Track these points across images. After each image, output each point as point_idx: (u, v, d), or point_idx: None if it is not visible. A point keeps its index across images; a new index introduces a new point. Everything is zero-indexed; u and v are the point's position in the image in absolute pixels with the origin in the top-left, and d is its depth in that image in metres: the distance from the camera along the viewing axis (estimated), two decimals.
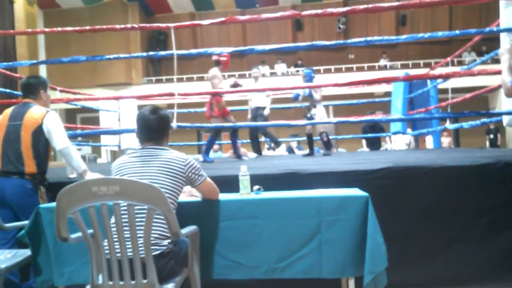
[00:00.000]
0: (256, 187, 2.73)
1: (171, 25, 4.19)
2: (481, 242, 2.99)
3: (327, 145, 6.31)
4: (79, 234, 2.09)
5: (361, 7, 4.25)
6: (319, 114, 5.78)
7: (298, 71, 16.61)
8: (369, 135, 9.17)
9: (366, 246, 2.42)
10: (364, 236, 2.45)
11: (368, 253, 2.40)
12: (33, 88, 3.26)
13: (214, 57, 5.80)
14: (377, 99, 11.01)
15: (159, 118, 2.45)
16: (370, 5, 4.35)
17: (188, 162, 2.38)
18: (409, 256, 2.93)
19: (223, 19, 4.22)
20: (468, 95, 5.40)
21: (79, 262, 2.54)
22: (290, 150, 10.82)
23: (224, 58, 5.77)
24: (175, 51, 4.13)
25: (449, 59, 7.53)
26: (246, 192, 2.68)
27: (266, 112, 6.90)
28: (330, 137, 11.55)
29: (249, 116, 7.06)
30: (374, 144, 9.51)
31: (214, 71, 5.76)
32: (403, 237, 2.92)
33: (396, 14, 16.79)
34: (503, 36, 3.99)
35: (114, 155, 12.24)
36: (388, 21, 16.87)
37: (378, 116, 7.23)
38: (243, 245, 2.56)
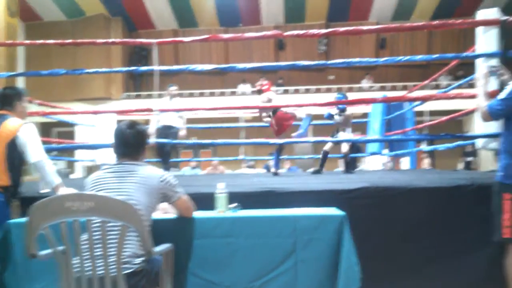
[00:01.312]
0: (233, 205, 2.70)
1: (154, 40, 4.18)
2: (456, 261, 3.01)
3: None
4: (48, 250, 2.04)
5: (342, 29, 4.30)
6: (344, 137, 5.91)
7: (278, 90, 16.72)
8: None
9: (340, 266, 2.42)
10: (339, 255, 2.45)
11: (341, 273, 2.41)
12: (9, 100, 3.20)
13: (257, 86, 6.05)
14: (355, 120, 11.12)
15: (135, 132, 2.42)
16: (351, 28, 4.41)
17: (165, 179, 2.35)
18: (382, 276, 2.93)
19: (206, 36, 4.22)
20: (444, 118, 5.49)
21: (48, 279, 2.46)
22: (268, 169, 10.81)
23: (266, 86, 5.97)
24: (156, 67, 4.11)
25: (426, 82, 7.67)
26: (222, 210, 2.66)
27: (182, 133, 6.70)
28: (307, 156, 11.65)
29: (153, 132, 6.43)
30: (351, 164, 9.56)
31: (260, 99, 5.95)
32: (377, 257, 2.92)
33: (376, 37, 17.11)
34: (479, 62, 4.09)
35: (89, 170, 12.03)
36: (368, 44, 17.17)
37: (356, 137, 7.28)
38: (218, 264, 2.53)
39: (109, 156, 8.93)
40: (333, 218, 2.51)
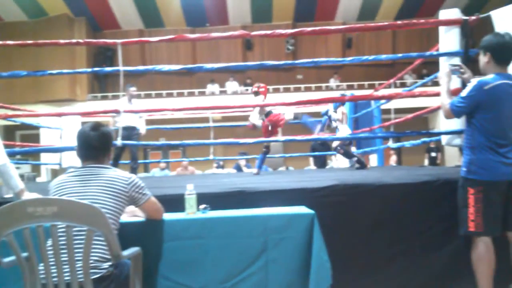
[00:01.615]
0: (202, 206, 2.68)
1: (119, 41, 4.09)
2: (424, 256, 3.07)
3: (347, 155, 6.69)
4: (12, 257, 1.97)
5: (309, 29, 4.33)
6: (341, 134, 6.02)
7: (247, 90, 16.73)
8: (316, 153, 9.33)
9: (311, 264, 2.43)
10: (310, 253, 2.46)
11: (313, 271, 2.42)
12: None
13: (254, 89, 6.15)
14: (323, 119, 11.24)
15: (100, 134, 2.36)
16: (317, 28, 4.44)
17: (132, 181, 2.30)
18: (353, 272, 2.96)
19: (172, 36, 4.17)
20: (409, 116, 5.60)
21: (11, 287, 2.38)
22: (238, 168, 10.79)
23: (262, 89, 6.08)
24: (121, 67, 4.04)
25: (392, 81, 7.82)
26: (192, 212, 2.63)
27: (143, 132, 6.83)
28: (278, 155, 11.69)
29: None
30: (321, 162, 9.69)
31: (256, 101, 6.04)
32: (348, 254, 2.95)
33: (342, 37, 17.35)
34: (442, 60, 4.18)
35: (55, 173, 11.74)
36: (335, 43, 17.39)
37: (325, 135, 7.36)
38: (188, 266, 2.50)
39: (76, 159, 8.74)
40: (303, 217, 2.52)
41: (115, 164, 6.52)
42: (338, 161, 9.91)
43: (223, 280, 2.48)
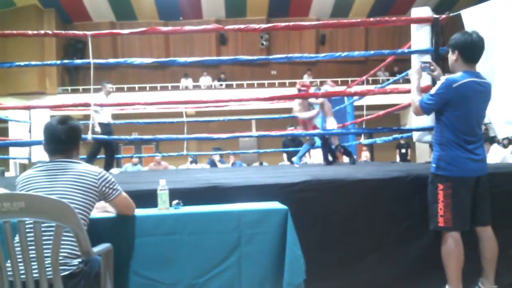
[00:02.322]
0: (175, 201, 2.65)
1: (89, 32, 4.01)
2: (395, 250, 3.12)
3: (347, 154, 6.83)
4: None
5: (283, 24, 4.33)
6: (329, 127, 6.30)
7: (221, 85, 16.68)
8: (290, 149, 9.38)
9: (285, 259, 2.43)
10: (284, 249, 2.46)
11: (286, 266, 2.42)
12: None
13: (298, 86, 6.42)
14: (294, 115, 11.32)
15: (68, 128, 2.29)
16: (291, 23, 4.45)
17: (102, 176, 2.26)
18: (327, 266, 2.99)
19: (144, 28, 4.11)
20: (381, 112, 5.68)
21: None
22: (212, 163, 10.76)
23: (304, 88, 6.31)
24: (92, 60, 3.95)
25: (364, 78, 7.91)
26: (164, 207, 2.60)
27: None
28: (251, 151, 11.69)
29: (97, 129, 6.37)
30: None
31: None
32: (321, 248, 2.98)
33: (316, 33, 17.46)
34: (414, 58, 4.25)
35: (24, 168, 11.47)
36: (308, 40, 17.50)
37: (298, 131, 7.41)
38: (160, 262, 2.47)
39: (45, 153, 8.55)
40: (276, 212, 2.52)
41: (92, 159, 6.54)
42: (313, 157, 9.99)
43: (195, 276, 2.46)
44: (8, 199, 1.84)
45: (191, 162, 10.90)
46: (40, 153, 8.33)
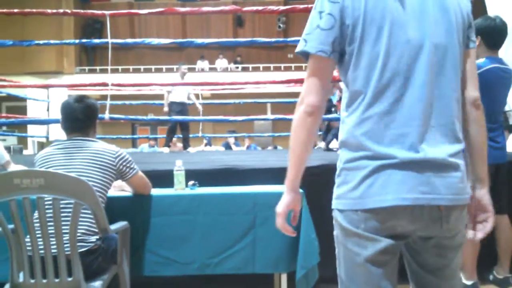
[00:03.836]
0: (191, 182, 2.67)
1: (107, 12, 4.01)
2: None
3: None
4: None
5: (301, 6, 4.27)
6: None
7: (237, 67, 16.63)
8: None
9: (299, 242, 2.44)
10: (298, 231, 2.47)
11: (301, 249, 2.43)
12: None
13: None
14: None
15: (85, 107, 2.31)
16: (310, 5, 4.39)
17: (119, 154, 2.28)
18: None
19: (162, 9, 4.10)
20: None
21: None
22: (227, 146, 10.79)
23: None
24: (110, 39, 3.96)
25: None
26: (180, 188, 2.62)
27: (199, 106, 7.33)
28: (267, 134, 11.66)
29: (166, 109, 6.99)
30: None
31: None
32: (328, 229, 2.97)
33: None
34: None
35: (42, 146, 11.64)
36: None
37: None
38: (175, 241, 2.50)
39: (62, 131, 8.66)
40: None
41: (170, 137, 7.14)
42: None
43: (210, 255, 2.49)
44: (27, 176, 1.87)
45: (206, 145, 10.94)
46: (58, 132, 8.44)
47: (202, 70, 16.37)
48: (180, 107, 6.87)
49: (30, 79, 13.74)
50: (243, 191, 2.60)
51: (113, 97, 4.71)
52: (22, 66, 14.92)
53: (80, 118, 2.29)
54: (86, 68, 16.44)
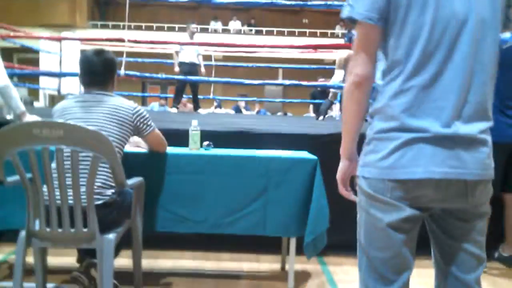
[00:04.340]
0: (206, 143, 2.68)
1: None
2: None
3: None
4: (16, 177, 1.97)
5: None
6: (334, 78, 6.08)
7: (251, 30, 16.39)
8: (317, 100, 9.26)
9: (310, 208, 2.46)
10: (309, 198, 2.48)
11: (311, 215, 2.45)
12: None
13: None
14: (326, 66, 11.10)
15: (104, 60, 2.28)
16: None
17: (137, 111, 2.27)
18: (349, 218, 3.01)
19: None
20: None
21: (12, 206, 2.39)
22: (237, 110, 10.77)
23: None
24: None
25: None
26: (195, 147, 2.63)
27: (202, 69, 7.02)
28: (278, 100, 11.60)
29: (177, 69, 6.87)
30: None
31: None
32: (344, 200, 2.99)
33: None
34: None
35: (53, 100, 11.65)
36: None
37: (330, 82, 7.29)
38: (189, 200, 2.53)
39: (74, 86, 8.64)
40: (306, 162, 2.52)
41: (179, 98, 7.03)
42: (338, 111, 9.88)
43: (222, 215, 2.52)
44: (48, 126, 1.87)
45: (216, 107, 10.92)
46: (69, 85, 8.44)
47: (215, 31, 16.15)
48: (189, 68, 6.73)
49: (42, 32, 13.64)
50: (256, 155, 2.60)
51: (126, 54, 4.66)
52: (34, 18, 14.77)
53: (99, 72, 2.27)
54: (99, 23, 16.25)
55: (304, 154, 2.67)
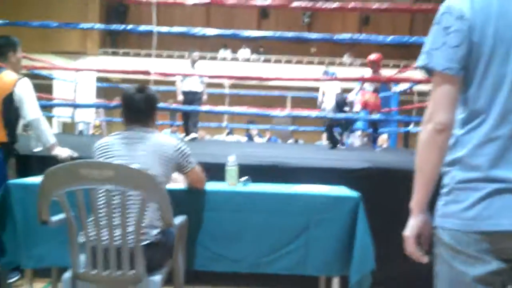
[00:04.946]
0: (244, 178, 2.63)
1: (154, 0, 3.98)
2: None
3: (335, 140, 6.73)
4: (60, 216, 1.93)
5: (325, 6, 4.25)
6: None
7: (259, 59, 16.53)
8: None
9: (354, 247, 2.39)
10: (352, 235, 2.41)
11: (356, 254, 2.37)
12: (3, 50, 3.01)
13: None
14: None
15: (146, 97, 2.27)
16: (334, 4, 4.28)
17: (179, 147, 2.24)
18: (389, 254, 2.92)
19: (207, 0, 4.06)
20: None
21: (51, 244, 2.35)
22: (249, 137, 10.75)
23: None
24: (155, 27, 3.93)
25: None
26: (233, 183, 2.58)
27: (205, 98, 6.84)
28: (291, 127, 11.52)
29: (181, 98, 6.70)
30: (335, 139, 9.58)
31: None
32: (385, 236, 2.90)
33: (360, 12, 17.01)
34: None
35: (66, 126, 11.65)
36: (352, 19, 17.09)
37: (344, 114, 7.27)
38: (227, 238, 2.46)
39: (88, 114, 8.66)
40: (348, 199, 2.46)
41: (192, 126, 6.70)
42: (350, 139, 9.84)
43: (261, 254, 2.45)
44: (97, 167, 1.84)
45: (227, 134, 10.92)
46: (83, 113, 8.46)
47: (224, 59, 16.27)
48: (188, 96, 6.61)
49: (53, 59, 13.77)
50: (297, 192, 2.54)
51: (134, 81, 4.66)
52: (44, 45, 14.89)
53: (142, 109, 2.25)
54: (110, 50, 16.40)
55: (345, 190, 2.62)
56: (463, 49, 1.15)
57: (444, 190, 1.22)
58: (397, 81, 7.35)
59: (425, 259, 1.26)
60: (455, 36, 1.15)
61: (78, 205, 1.84)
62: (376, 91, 6.37)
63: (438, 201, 1.24)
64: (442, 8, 1.21)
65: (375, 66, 6.19)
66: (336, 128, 6.78)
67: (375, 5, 4.33)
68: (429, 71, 1.22)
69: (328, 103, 6.52)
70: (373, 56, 6.18)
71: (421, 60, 1.22)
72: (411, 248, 1.28)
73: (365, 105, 6.35)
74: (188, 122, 6.76)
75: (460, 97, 1.20)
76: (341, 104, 6.40)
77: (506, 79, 1.13)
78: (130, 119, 2.27)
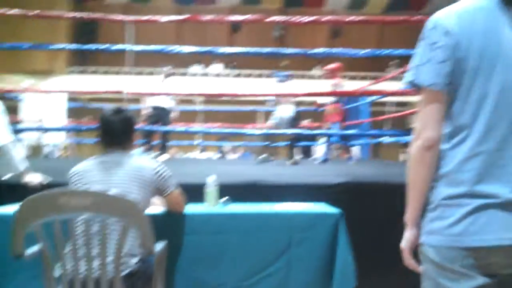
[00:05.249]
0: (224, 198, 2.59)
1: (130, 17, 3.96)
2: None
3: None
4: (35, 248, 1.84)
5: (294, 19, 4.30)
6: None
7: (228, 74, 16.55)
8: (303, 143, 9.22)
9: (336, 265, 2.38)
10: (334, 253, 2.41)
11: (337, 272, 2.38)
12: None
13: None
14: (309, 108, 11.19)
15: (123, 119, 2.22)
16: (304, 17, 4.33)
17: (158, 171, 2.18)
18: (369, 268, 2.92)
19: (183, 17, 4.04)
20: (408, 112, 5.61)
21: (25, 276, 2.25)
22: (222, 154, 10.70)
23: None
24: (130, 46, 3.89)
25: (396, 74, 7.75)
26: (213, 204, 2.54)
27: (175, 115, 6.57)
28: (265, 143, 11.47)
29: (147, 111, 6.38)
30: (307, 152, 9.63)
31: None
32: (372, 252, 2.90)
33: (330, 25, 17.29)
34: None
35: (33, 148, 11.33)
36: (322, 32, 17.34)
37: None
38: (208, 262, 2.41)
39: (56, 136, 8.44)
40: (329, 216, 2.46)
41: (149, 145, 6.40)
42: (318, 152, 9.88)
43: (243, 277, 2.41)
44: (75, 195, 1.78)
45: (200, 151, 10.85)
46: (50, 136, 8.25)
47: (195, 74, 16.22)
48: (155, 112, 6.35)
49: (20, 78, 13.43)
50: (278, 211, 2.52)
51: (104, 100, 4.59)
52: (10, 64, 14.54)
53: (118, 132, 2.20)
54: (79, 68, 16.13)
55: (325, 207, 2.61)
56: (449, 64, 1.16)
57: (430, 206, 1.23)
58: (366, 94, 7.41)
59: (420, 269, 1.28)
60: (441, 52, 1.17)
61: (55, 235, 1.77)
62: (337, 101, 6.43)
63: (424, 218, 1.25)
64: (429, 23, 1.22)
65: (333, 75, 6.26)
66: (298, 143, 6.78)
67: (348, 18, 4.43)
68: (416, 86, 1.24)
69: (283, 111, 6.39)
70: (332, 66, 6.28)
71: (408, 76, 1.24)
72: (407, 259, 1.31)
73: (327, 119, 6.41)
74: (159, 140, 6.54)
75: (446, 111, 1.22)
76: (296, 117, 6.47)
77: (490, 95, 1.15)
78: (107, 142, 2.22)
